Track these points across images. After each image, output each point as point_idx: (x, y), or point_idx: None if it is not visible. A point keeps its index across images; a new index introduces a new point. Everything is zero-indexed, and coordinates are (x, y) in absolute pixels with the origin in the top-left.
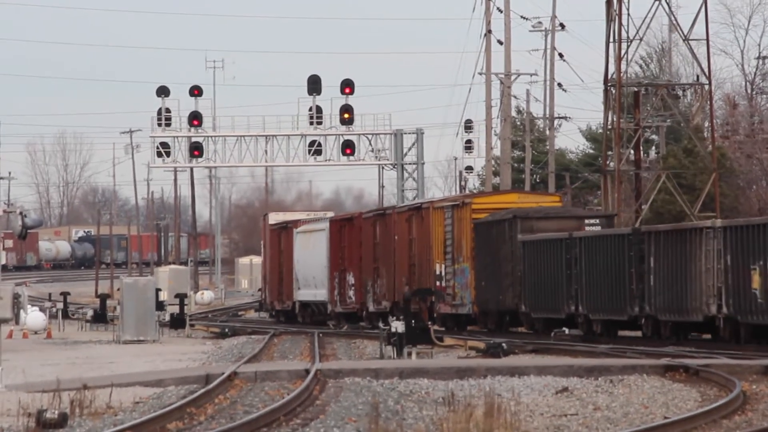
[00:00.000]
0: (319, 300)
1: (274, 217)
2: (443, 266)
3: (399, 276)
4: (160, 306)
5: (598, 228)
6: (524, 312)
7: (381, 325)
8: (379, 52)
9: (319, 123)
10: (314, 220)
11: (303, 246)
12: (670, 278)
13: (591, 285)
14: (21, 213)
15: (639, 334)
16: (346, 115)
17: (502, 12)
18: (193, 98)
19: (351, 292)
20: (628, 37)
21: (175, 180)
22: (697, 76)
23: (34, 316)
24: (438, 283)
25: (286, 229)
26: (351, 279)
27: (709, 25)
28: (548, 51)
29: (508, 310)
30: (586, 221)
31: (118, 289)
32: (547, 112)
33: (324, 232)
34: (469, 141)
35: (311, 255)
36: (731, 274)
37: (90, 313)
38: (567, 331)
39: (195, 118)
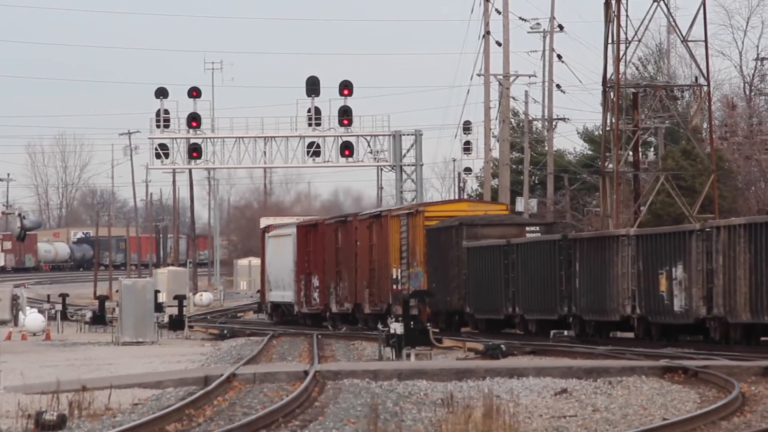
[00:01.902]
0: (287, 301)
1: (264, 221)
2: (399, 270)
3: (360, 279)
4: (158, 307)
5: (538, 234)
6: (469, 313)
7: (380, 326)
8: (377, 54)
9: (318, 124)
10: (283, 225)
11: (273, 250)
12: (593, 281)
13: (526, 287)
14: (20, 214)
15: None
16: (346, 122)
17: (500, 13)
18: (192, 100)
19: (316, 294)
20: (626, 38)
21: (174, 181)
22: (696, 78)
23: (32, 318)
24: (395, 287)
25: (263, 233)
26: (316, 282)
27: (707, 27)
28: (547, 52)
29: (456, 311)
30: (527, 228)
31: (117, 291)
32: (546, 113)
33: (291, 237)
34: (467, 142)
35: (281, 258)
36: (642, 278)
37: (89, 314)
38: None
39: (194, 120)
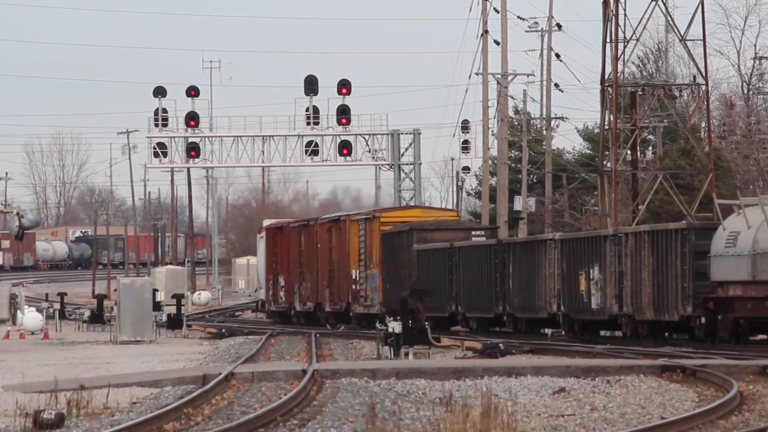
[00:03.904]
0: (262, 298)
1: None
2: (357, 272)
3: (321, 280)
4: (157, 306)
5: (484, 239)
6: None
7: (378, 325)
8: (376, 52)
9: (316, 123)
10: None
11: (261, 251)
12: (524, 282)
13: (467, 288)
14: (18, 213)
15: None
16: (344, 120)
17: (498, 12)
18: (190, 99)
19: (282, 293)
20: (624, 37)
21: (172, 180)
22: (694, 77)
23: (31, 317)
24: (354, 287)
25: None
26: (282, 281)
27: (705, 26)
28: (545, 51)
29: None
30: (473, 232)
31: (115, 290)
32: (544, 112)
33: (263, 238)
34: (466, 141)
35: (260, 259)
36: (565, 278)
37: (87, 313)
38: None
39: (192, 119)
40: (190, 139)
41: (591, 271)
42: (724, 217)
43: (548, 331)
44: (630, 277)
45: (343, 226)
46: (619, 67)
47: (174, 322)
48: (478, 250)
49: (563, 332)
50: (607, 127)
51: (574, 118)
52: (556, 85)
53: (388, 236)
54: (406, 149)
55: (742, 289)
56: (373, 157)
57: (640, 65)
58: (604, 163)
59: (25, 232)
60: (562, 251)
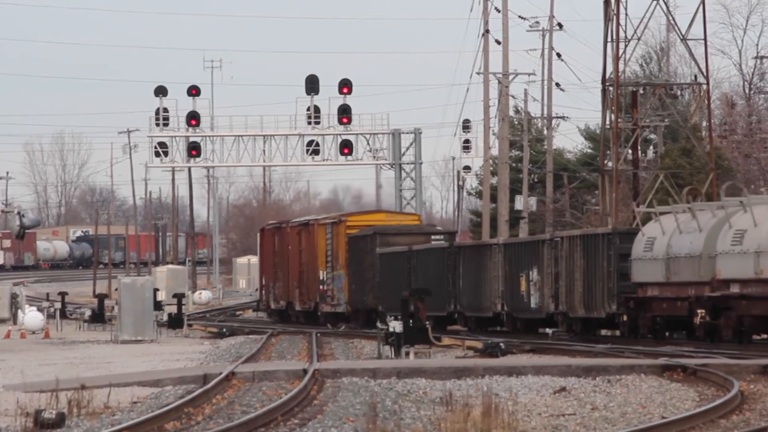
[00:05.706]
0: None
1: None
2: (325, 273)
3: (292, 280)
4: (157, 306)
5: (442, 242)
6: (381, 311)
7: (379, 324)
8: (377, 52)
9: (317, 123)
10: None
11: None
12: (472, 283)
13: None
14: (19, 213)
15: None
16: (345, 120)
17: (499, 12)
18: (191, 98)
19: (263, 291)
20: (626, 36)
21: (173, 180)
22: (695, 76)
23: (31, 316)
24: (321, 287)
25: None
26: (263, 280)
27: (707, 25)
28: (546, 51)
29: (371, 309)
30: (433, 237)
31: (116, 289)
32: (545, 111)
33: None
34: (467, 141)
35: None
36: (508, 280)
37: (88, 313)
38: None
39: (193, 118)
40: (191, 139)
41: (531, 272)
42: None
43: (549, 330)
44: (564, 278)
45: (312, 230)
46: (621, 67)
47: (175, 322)
48: (434, 253)
49: (507, 330)
50: (608, 127)
51: (575, 117)
52: (557, 84)
53: (353, 239)
54: (407, 149)
55: (658, 290)
56: (374, 157)
57: (643, 64)
58: (605, 162)
59: (26, 231)
60: (506, 255)
